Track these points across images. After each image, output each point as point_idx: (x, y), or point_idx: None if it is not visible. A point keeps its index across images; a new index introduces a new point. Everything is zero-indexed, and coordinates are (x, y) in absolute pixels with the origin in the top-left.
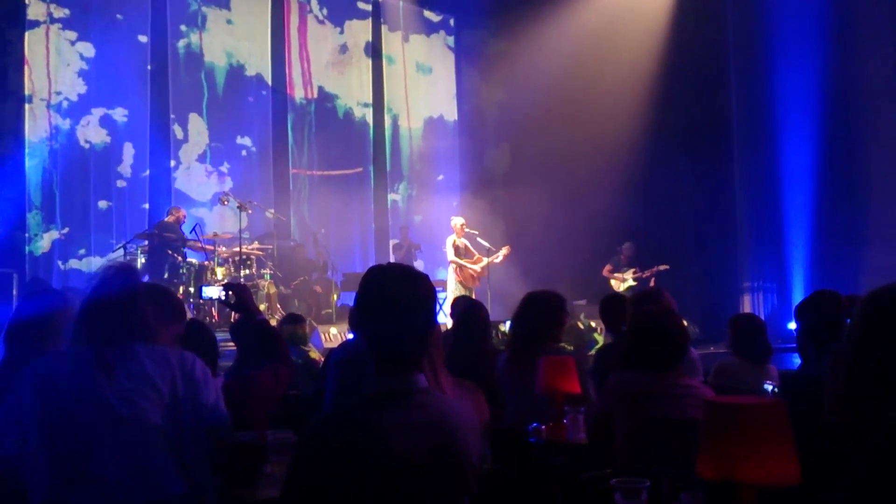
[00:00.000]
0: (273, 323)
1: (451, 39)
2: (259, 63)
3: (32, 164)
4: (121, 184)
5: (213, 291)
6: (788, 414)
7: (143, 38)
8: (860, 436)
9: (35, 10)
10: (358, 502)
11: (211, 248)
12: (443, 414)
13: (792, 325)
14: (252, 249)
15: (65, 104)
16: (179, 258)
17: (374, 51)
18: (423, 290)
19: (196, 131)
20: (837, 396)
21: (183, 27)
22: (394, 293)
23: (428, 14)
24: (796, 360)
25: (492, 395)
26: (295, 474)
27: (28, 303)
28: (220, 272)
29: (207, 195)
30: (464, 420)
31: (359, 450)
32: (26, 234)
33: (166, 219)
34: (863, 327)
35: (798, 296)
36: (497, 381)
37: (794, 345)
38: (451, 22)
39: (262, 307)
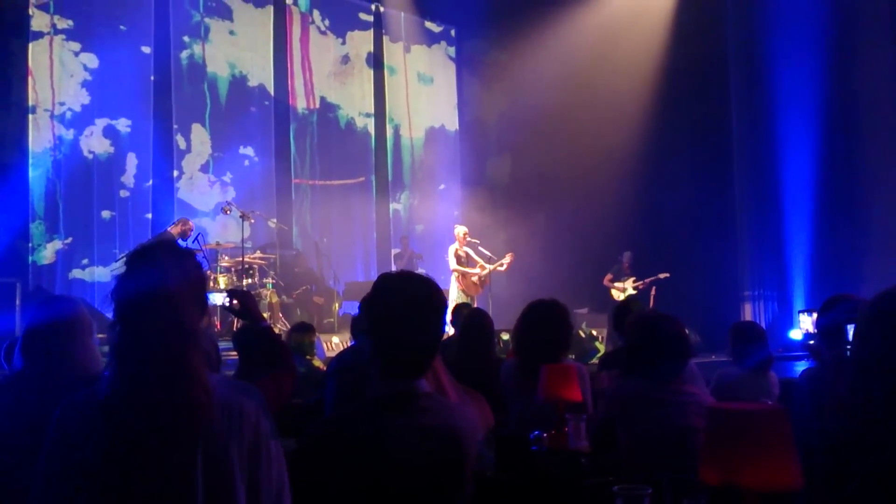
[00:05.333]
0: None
1: (452, 50)
2: (261, 73)
3: (36, 175)
4: (124, 194)
5: (217, 298)
6: (792, 416)
7: (146, 49)
8: (862, 441)
9: (39, 22)
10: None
11: (210, 246)
12: (448, 417)
13: (793, 333)
14: (254, 259)
15: (68, 115)
16: None
17: (376, 61)
18: (438, 298)
19: (199, 141)
20: (840, 400)
21: (186, 38)
22: (413, 300)
23: (429, 25)
24: (798, 368)
25: (495, 403)
26: (296, 477)
27: (44, 308)
28: (222, 281)
29: (210, 205)
30: (468, 423)
31: (361, 452)
32: (29, 244)
33: (170, 229)
34: (867, 331)
35: (799, 304)
36: (501, 388)
37: (795, 353)
38: (453, 32)
39: (264, 316)
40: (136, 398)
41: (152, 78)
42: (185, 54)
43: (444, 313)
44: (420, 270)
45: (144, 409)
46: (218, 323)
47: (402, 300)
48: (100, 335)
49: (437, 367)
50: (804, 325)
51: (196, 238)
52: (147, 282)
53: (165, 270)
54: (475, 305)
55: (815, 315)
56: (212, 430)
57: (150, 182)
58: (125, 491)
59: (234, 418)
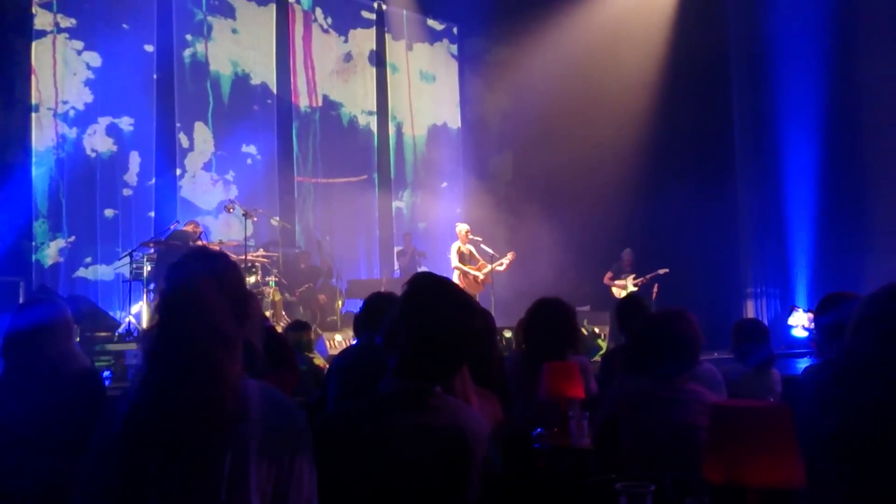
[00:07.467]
0: (278, 330)
1: (454, 47)
2: (264, 72)
3: (39, 173)
4: (127, 192)
5: None
6: (795, 414)
7: (149, 48)
8: (860, 438)
9: (42, 20)
10: (363, 499)
11: (213, 244)
12: (456, 417)
13: (795, 331)
14: (257, 257)
15: (71, 113)
16: None
17: (379, 59)
18: (477, 322)
19: (201, 140)
20: (838, 397)
21: (189, 36)
22: (452, 319)
23: (431, 23)
24: (800, 365)
25: (500, 402)
26: None
27: (24, 313)
28: None
29: (213, 203)
30: (477, 424)
31: (365, 447)
32: (33, 243)
33: (184, 228)
34: (860, 329)
35: (801, 302)
36: (506, 385)
37: (798, 350)
38: (455, 30)
39: (267, 314)
40: (163, 404)
41: (155, 76)
42: (187, 52)
43: (473, 332)
44: (422, 268)
45: (171, 415)
46: None
47: (447, 312)
48: (101, 333)
49: (462, 370)
50: (795, 321)
51: (199, 237)
52: (181, 290)
53: (198, 277)
54: None
55: (799, 310)
56: (250, 437)
57: (153, 180)
58: (146, 494)
59: (280, 430)
